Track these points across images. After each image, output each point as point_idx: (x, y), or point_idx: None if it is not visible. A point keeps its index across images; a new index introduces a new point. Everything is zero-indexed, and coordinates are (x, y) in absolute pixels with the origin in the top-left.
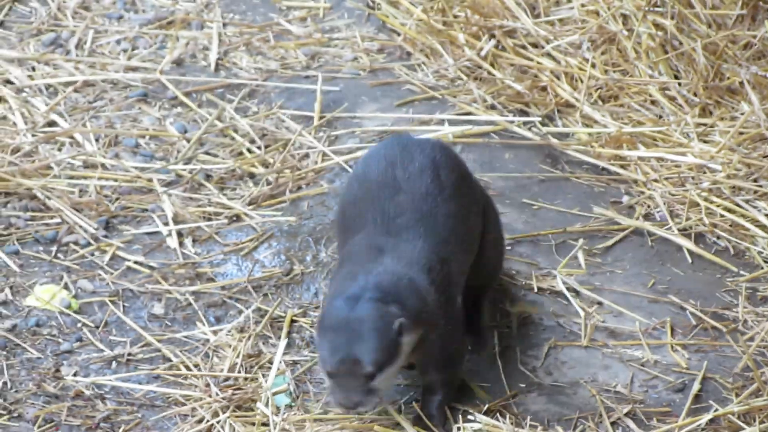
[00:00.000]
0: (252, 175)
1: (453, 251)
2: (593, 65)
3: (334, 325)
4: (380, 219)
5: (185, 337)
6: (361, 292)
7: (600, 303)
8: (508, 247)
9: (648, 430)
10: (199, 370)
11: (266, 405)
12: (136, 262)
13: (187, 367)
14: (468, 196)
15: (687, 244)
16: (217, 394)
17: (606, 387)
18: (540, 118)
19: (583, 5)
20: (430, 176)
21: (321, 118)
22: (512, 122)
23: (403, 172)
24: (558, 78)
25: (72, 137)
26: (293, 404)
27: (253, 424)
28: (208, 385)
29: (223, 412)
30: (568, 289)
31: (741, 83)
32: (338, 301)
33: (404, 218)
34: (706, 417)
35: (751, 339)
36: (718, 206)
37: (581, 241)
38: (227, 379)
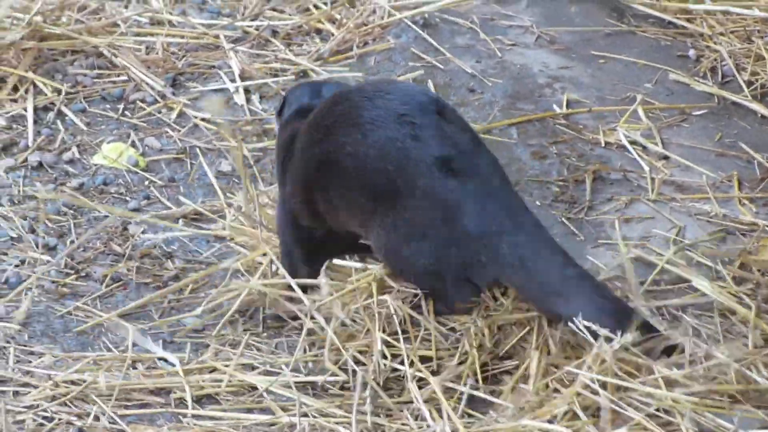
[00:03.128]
0: (319, 31)
1: None
2: None
3: None
4: None
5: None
6: None
7: (667, 157)
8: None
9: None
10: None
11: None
12: (203, 119)
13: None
14: None
15: (760, 109)
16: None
17: (675, 241)
18: None
19: None
20: None
21: None
22: None
23: None
24: None
25: None
26: None
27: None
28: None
29: None
30: (633, 143)
31: None
32: None
33: None
34: None
35: None
36: None
37: (639, 96)
38: None
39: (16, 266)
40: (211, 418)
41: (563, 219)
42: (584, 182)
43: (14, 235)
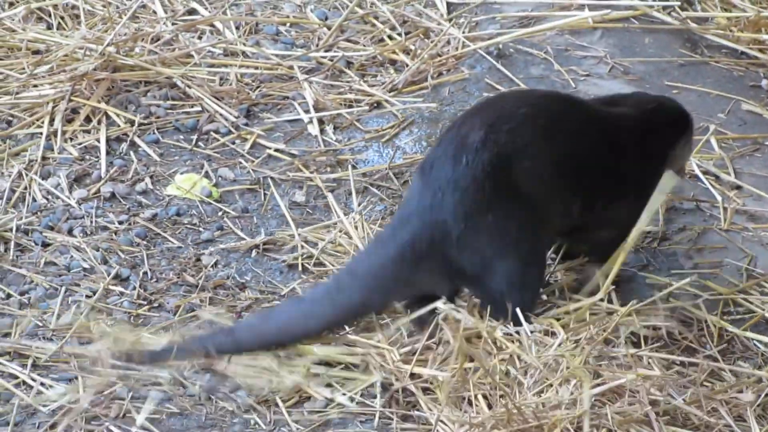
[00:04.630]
0: (393, 62)
1: None
2: None
3: None
4: None
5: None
6: None
7: (739, 187)
8: None
9: None
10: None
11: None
12: (277, 150)
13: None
14: None
15: None
16: None
17: (747, 270)
18: (679, 2)
19: None
20: None
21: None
22: (652, 6)
23: None
24: None
25: (212, 25)
26: None
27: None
28: None
29: None
30: (705, 173)
31: None
32: None
33: None
34: None
35: None
36: None
37: (712, 127)
38: None
39: (88, 297)
40: None
41: (637, 248)
42: (657, 212)
43: (87, 266)
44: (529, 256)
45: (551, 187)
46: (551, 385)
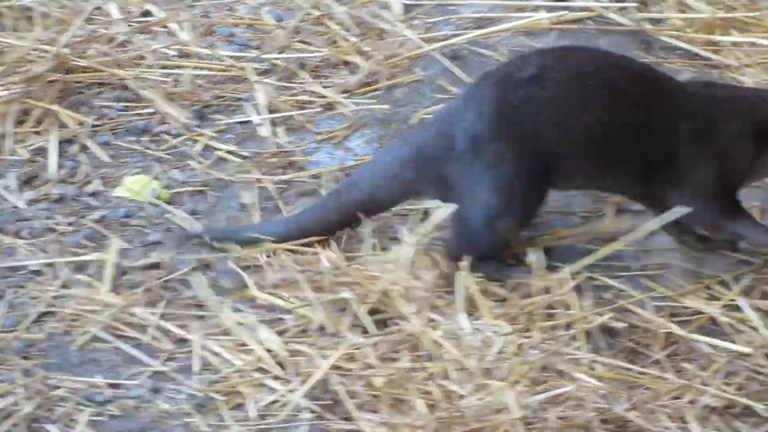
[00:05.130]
0: (346, 63)
1: None
2: None
3: None
4: None
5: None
6: None
7: None
8: None
9: None
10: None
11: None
12: (228, 152)
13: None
14: None
15: None
16: None
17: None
18: (636, 4)
19: None
20: None
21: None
22: (607, 8)
23: None
24: None
25: (166, 27)
26: None
27: None
28: None
29: None
30: None
31: None
32: None
33: None
34: None
35: None
36: None
37: None
38: None
39: (34, 298)
40: None
41: (585, 248)
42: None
43: (34, 269)
44: (516, 202)
45: (579, 149)
46: (492, 394)
